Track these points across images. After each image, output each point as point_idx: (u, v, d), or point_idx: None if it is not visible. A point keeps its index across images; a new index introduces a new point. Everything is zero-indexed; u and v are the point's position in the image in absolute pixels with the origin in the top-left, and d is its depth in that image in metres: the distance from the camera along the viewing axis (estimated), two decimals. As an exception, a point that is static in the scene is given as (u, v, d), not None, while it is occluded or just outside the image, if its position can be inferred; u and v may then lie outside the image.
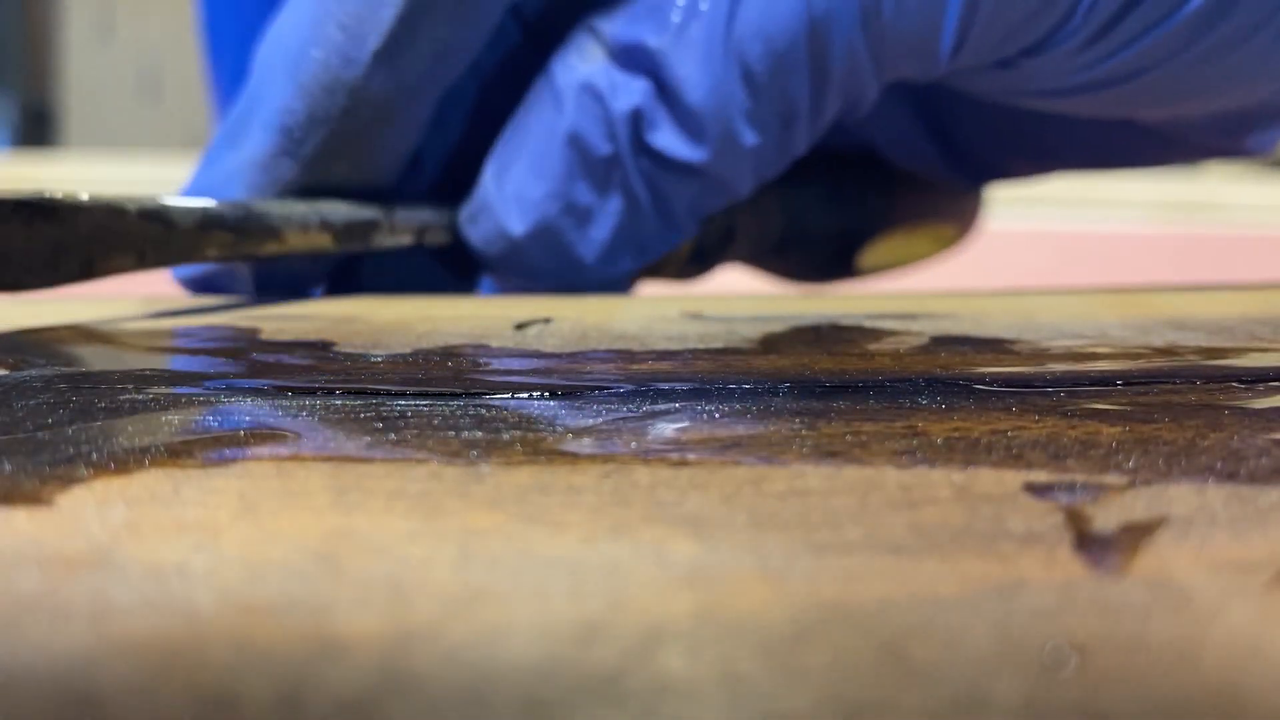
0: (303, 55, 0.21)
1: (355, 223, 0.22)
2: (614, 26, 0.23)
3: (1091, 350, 0.18)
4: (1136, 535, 0.11)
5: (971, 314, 0.21)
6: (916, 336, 0.19)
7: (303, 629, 0.09)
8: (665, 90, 0.22)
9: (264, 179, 0.22)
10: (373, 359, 0.17)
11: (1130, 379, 0.16)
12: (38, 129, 2.11)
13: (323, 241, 0.22)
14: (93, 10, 2.11)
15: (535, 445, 0.13)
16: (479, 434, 0.13)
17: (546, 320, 0.20)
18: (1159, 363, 0.17)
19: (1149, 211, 0.82)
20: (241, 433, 0.13)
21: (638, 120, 0.22)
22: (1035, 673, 0.08)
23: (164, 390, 0.15)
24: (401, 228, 0.23)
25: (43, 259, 0.18)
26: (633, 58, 0.22)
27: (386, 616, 0.09)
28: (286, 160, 0.21)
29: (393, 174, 0.23)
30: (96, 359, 0.17)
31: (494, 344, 0.18)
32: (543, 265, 0.24)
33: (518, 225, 0.23)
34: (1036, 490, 0.12)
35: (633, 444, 0.13)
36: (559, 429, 0.14)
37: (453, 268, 0.25)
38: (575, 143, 0.23)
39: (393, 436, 0.13)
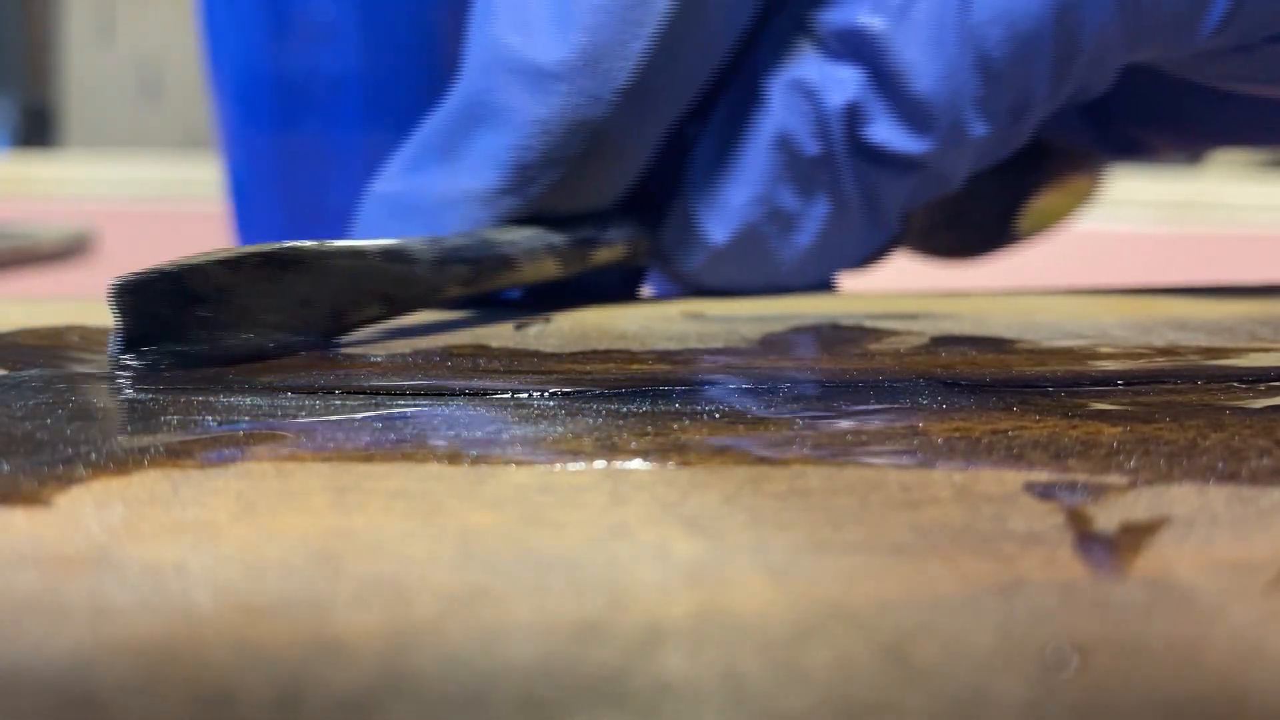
0: (543, 89, 0.19)
1: (577, 246, 0.21)
2: (824, 13, 0.21)
3: (1092, 350, 0.18)
4: (1138, 535, 0.11)
5: (972, 314, 0.21)
6: (917, 336, 0.19)
7: (302, 629, 0.09)
8: (885, 79, 0.21)
9: (484, 214, 0.20)
10: (372, 359, 0.17)
11: (1131, 379, 0.16)
12: (38, 129, 2.11)
13: (550, 268, 0.21)
14: (93, 11, 2.11)
15: (535, 445, 0.13)
16: (479, 434, 0.13)
17: (547, 320, 0.20)
18: (1160, 363, 0.17)
19: (1150, 211, 0.82)
20: (240, 433, 0.13)
21: (853, 115, 0.21)
22: (1036, 673, 0.08)
23: (163, 390, 0.15)
24: (616, 245, 0.22)
25: (290, 314, 0.17)
26: (848, 44, 0.21)
27: (386, 616, 0.09)
28: (511, 198, 0.20)
29: (613, 201, 0.22)
30: (96, 360, 0.17)
31: (494, 344, 0.18)
32: (742, 274, 0.23)
33: (719, 234, 0.22)
34: (1037, 490, 0.12)
35: (633, 444, 0.13)
36: (559, 429, 0.14)
37: (620, 274, 0.24)
38: (783, 144, 0.21)
39: (392, 436, 0.13)
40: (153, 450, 0.13)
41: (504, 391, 0.15)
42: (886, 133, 0.21)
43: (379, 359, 0.17)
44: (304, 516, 0.11)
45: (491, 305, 0.22)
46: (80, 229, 0.48)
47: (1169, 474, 0.12)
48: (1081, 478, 0.12)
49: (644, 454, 0.13)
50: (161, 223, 0.63)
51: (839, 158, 0.21)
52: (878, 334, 0.19)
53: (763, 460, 0.12)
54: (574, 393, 0.15)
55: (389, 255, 0.18)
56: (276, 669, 0.08)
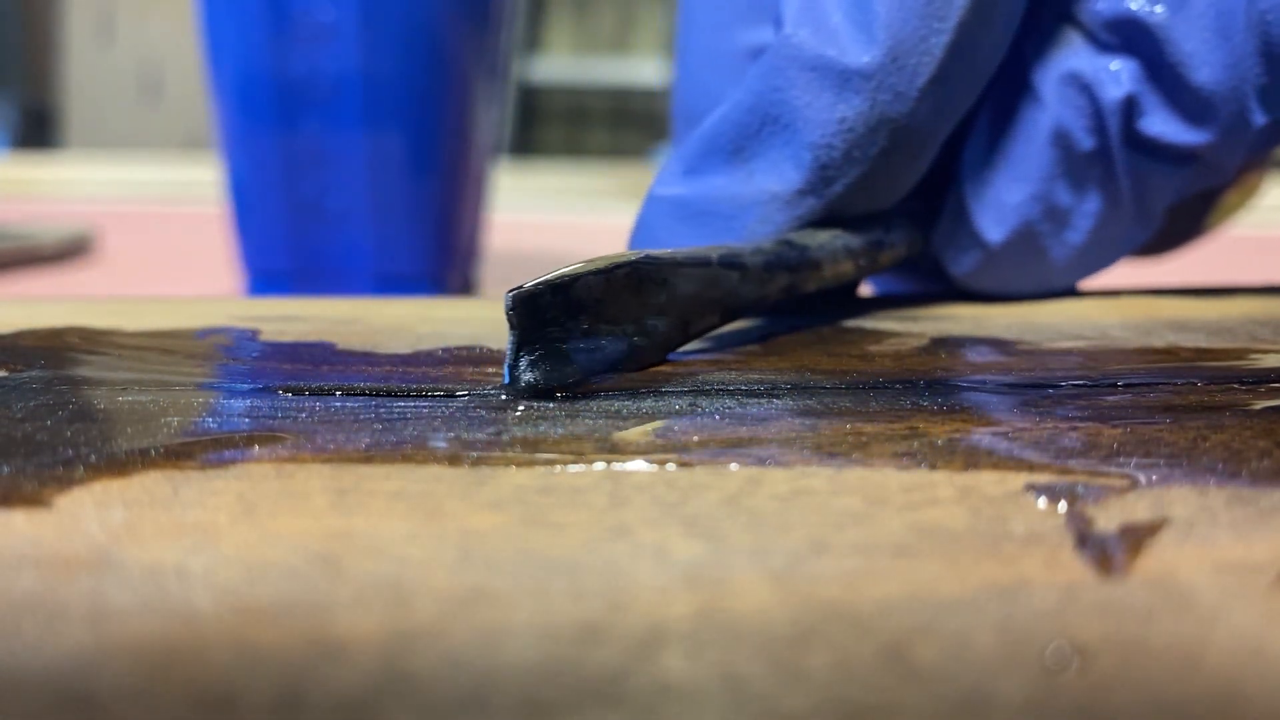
0: (847, 88, 0.19)
1: (870, 248, 0.21)
2: (1093, 4, 0.21)
3: (1092, 351, 0.18)
4: (1138, 536, 0.11)
5: (972, 315, 0.21)
6: (917, 338, 0.19)
7: (302, 630, 0.09)
8: (1162, 70, 0.20)
9: (783, 215, 0.20)
10: (373, 360, 0.17)
11: (1131, 380, 0.16)
12: (38, 130, 2.11)
13: (847, 271, 0.21)
14: (93, 12, 2.11)
15: (535, 446, 0.13)
16: (480, 435, 0.13)
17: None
18: (1160, 363, 0.17)
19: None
20: (241, 434, 0.13)
21: (1129, 107, 0.20)
22: (1037, 674, 0.08)
23: (163, 392, 0.15)
24: (898, 247, 0.22)
25: (645, 323, 0.17)
26: (1121, 35, 0.20)
27: (386, 617, 0.09)
28: (812, 198, 0.20)
29: (897, 200, 0.21)
30: (96, 361, 0.17)
31: (494, 345, 0.18)
32: (1015, 275, 0.22)
33: (995, 233, 0.22)
34: (1038, 491, 0.12)
35: (633, 445, 0.13)
36: (559, 430, 0.14)
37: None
38: (1059, 140, 0.21)
39: (393, 438, 0.13)
40: (153, 452, 0.13)
41: (504, 393, 0.15)
42: (1163, 125, 0.21)
43: (379, 360, 0.17)
44: (304, 518, 0.11)
45: (492, 307, 0.22)
46: (80, 230, 0.48)
47: (1169, 475, 0.12)
48: (1082, 479, 0.12)
49: (645, 454, 0.13)
50: (162, 223, 0.63)
51: (1114, 152, 0.21)
52: (878, 335, 0.19)
53: (763, 461, 0.12)
54: (574, 394, 0.15)
55: (726, 263, 0.18)
56: (277, 670, 0.08)
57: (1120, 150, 0.21)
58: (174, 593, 0.09)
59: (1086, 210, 0.21)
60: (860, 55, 0.19)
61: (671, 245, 0.19)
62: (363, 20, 0.33)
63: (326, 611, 0.09)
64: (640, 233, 0.21)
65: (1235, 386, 0.16)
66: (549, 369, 0.15)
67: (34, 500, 0.11)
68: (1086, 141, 0.21)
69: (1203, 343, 0.18)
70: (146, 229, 0.60)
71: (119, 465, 0.12)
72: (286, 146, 0.34)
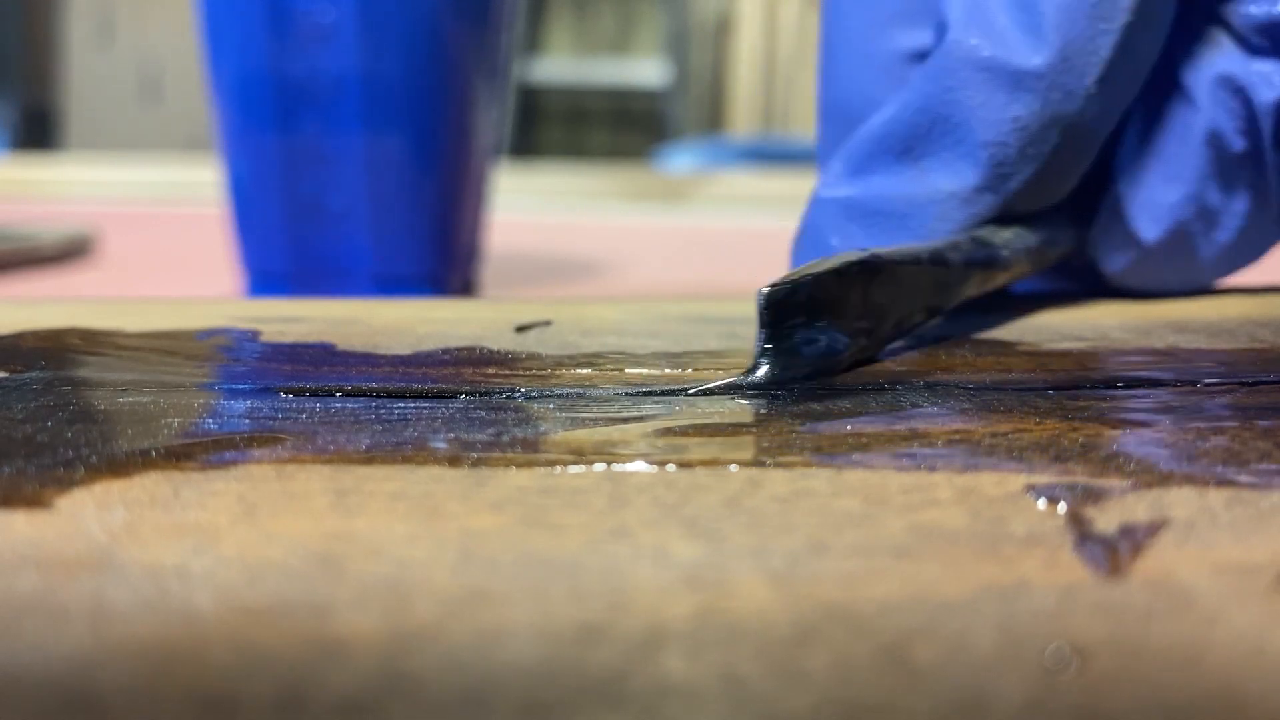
0: (1020, 89, 0.20)
1: (1043, 246, 0.21)
2: (1243, 6, 0.21)
3: (1092, 352, 0.18)
4: (1138, 537, 0.11)
5: (972, 315, 0.21)
6: (917, 338, 0.19)
7: (303, 631, 0.09)
8: None
9: (963, 213, 0.21)
10: (373, 361, 0.17)
11: (1131, 381, 0.16)
12: (38, 131, 2.11)
13: (1023, 269, 0.21)
14: (93, 13, 2.11)
15: (536, 447, 0.13)
16: (480, 436, 0.13)
17: (547, 323, 0.20)
18: (1160, 364, 0.17)
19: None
20: (241, 435, 0.13)
21: None
22: (1037, 675, 0.08)
23: (164, 393, 0.15)
24: (1062, 246, 0.22)
25: (869, 321, 0.17)
26: (1273, 39, 0.21)
27: (386, 618, 0.09)
28: (989, 195, 0.21)
29: (1062, 197, 0.22)
30: (97, 362, 0.17)
31: (494, 346, 0.18)
32: (1166, 273, 0.23)
33: (1151, 232, 0.22)
34: (1038, 492, 0.12)
35: (634, 446, 0.13)
36: (560, 431, 0.14)
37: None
38: (1213, 141, 0.21)
39: (393, 439, 0.13)
40: (154, 452, 0.13)
41: (504, 394, 0.15)
42: None
43: (380, 361, 0.17)
44: (305, 519, 0.11)
45: (492, 308, 0.22)
46: (81, 231, 0.48)
47: (1169, 476, 0.12)
48: (1082, 480, 0.12)
49: (645, 456, 0.13)
50: (162, 224, 0.63)
51: (1265, 154, 0.21)
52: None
53: (763, 462, 0.12)
54: (574, 395, 0.15)
55: (935, 261, 0.19)
56: (277, 671, 0.08)
57: (1271, 152, 0.21)
58: (175, 593, 0.09)
59: (1235, 210, 0.22)
60: (1031, 56, 0.20)
61: (843, 246, 0.20)
62: (363, 20, 0.33)
63: (327, 612, 0.09)
64: (808, 235, 0.22)
65: (1235, 387, 0.16)
66: (786, 364, 0.16)
67: (35, 501, 0.11)
68: (1238, 143, 0.21)
69: (1203, 343, 0.18)
70: (146, 229, 0.60)
71: (120, 466, 0.12)
72: (286, 147, 0.34)
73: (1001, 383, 0.16)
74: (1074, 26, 0.20)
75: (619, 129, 2.38)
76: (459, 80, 0.35)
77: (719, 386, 0.15)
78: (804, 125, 2.19)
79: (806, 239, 0.22)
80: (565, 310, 0.22)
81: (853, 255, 0.17)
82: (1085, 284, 0.24)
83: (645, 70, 2.29)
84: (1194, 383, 0.16)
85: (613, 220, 0.68)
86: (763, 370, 0.16)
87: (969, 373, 0.17)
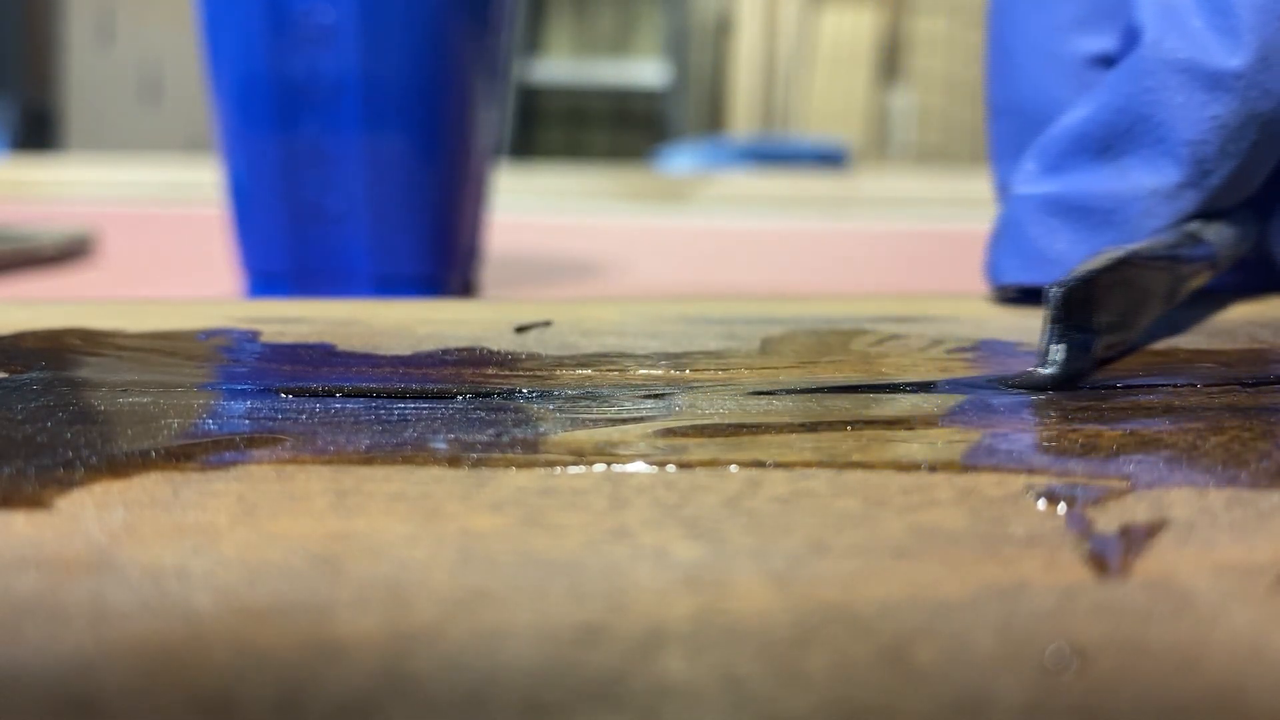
0: (1220, 89, 0.21)
1: (1238, 243, 0.22)
2: None
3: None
4: (1138, 538, 0.11)
5: (972, 316, 0.21)
6: (917, 339, 0.19)
7: (302, 631, 0.09)
8: None
9: (1167, 208, 0.21)
10: (373, 361, 0.17)
11: (1131, 381, 0.16)
12: (38, 132, 2.11)
13: (1223, 264, 0.21)
14: (93, 14, 2.11)
15: (536, 447, 0.13)
16: (480, 436, 0.13)
17: (547, 323, 0.20)
18: (1160, 364, 0.17)
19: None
20: (241, 436, 0.13)
21: None
22: (1037, 675, 0.08)
23: (164, 394, 0.15)
24: (1251, 240, 0.23)
25: (1120, 320, 0.17)
26: None
27: (386, 619, 0.09)
28: (1191, 191, 0.21)
29: (1255, 190, 0.23)
30: (97, 362, 0.17)
31: (494, 347, 0.18)
32: None
33: None
34: (1038, 493, 0.12)
35: (634, 446, 0.13)
36: (560, 431, 0.14)
37: None
38: None
39: (393, 439, 0.13)
40: (153, 453, 0.13)
41: (504, 394, 0.15)
42: None
43: (379, 361, 0.17)
44: (304, 519, 0.11)
45: (492, 308, 0.22)
46: (81, 231, 0.48)
47: (1169, 477, 0.12)
48: (1082, 480, 0.12)
49: (645, 456, 0.13)
50: (162, 225, 0.63)
51: None
52: (878, 336, 0.19)
53: (763, 463, 0.12)
54: (574, 395, 0.15)
55: (1172, 258, 0.19)
56: (277, 672, 0.08)
57: None
58: (174, 594, 0.09)
59: None
60: (1229, 58, 0.21)
61: (1045, 241, 0.21)
62: (362, 22, 0.33)
63: (326, 613, 0.09)
64: (1009, 230, 0.22)
65: (1235, 387, 0.16)
66: (1070, 360, 0.16)
67: (35, 502, 0.11)
68: None
69: (1203, 344, 0.18)
70: (146, 230, 0.60)
71: (119, 467, 0.12)
72: (286, 148, 0.34)
73: (1002, 382, 0.16)
74: (1268, 28, 0.21)
75: (619, 129, 2.38)
76: (459, 80, 0.35)
77: (1016, 380, 0.16)
78: (803, 125, 2.20)
79: (1008, 234, 0.22)
80: (565, 311, 0.22)
81: (1117, 252, 0.17)
82: (1259, 278, 0.25)
83: (645, 71, 2.29)
84: (1194, 383, 0.16)
85: (613, 220, 0.68)
86: (1052, 368, 0.16)
87: (968, 372, 0.17)
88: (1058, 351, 0.16)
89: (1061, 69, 0.24)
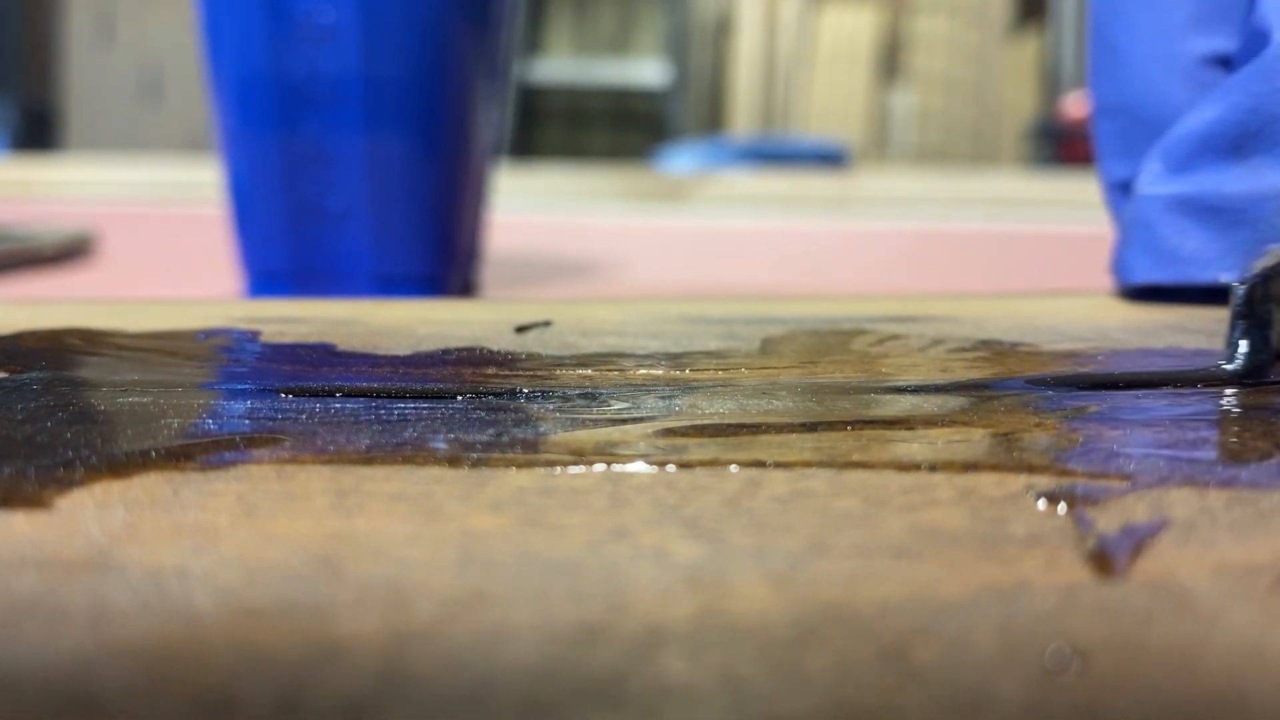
0: None
1: None
2: None
3: (1093, 352, 0.18)
4: (1138, 538, 0.11)
5: (972, 317, 0.21)
6: (917, 339, 0.19)
7: (302, 632, 0.09)
8: None
9: None
10: (373, 361, 0.17)
11: (1131, 382, 0.16)
12: (38, 131, 2.11)
13: None
14: (93, 13, 2.11)
15: (536, 447, 0.13)
16: (480, 436, 0.13)
17: (547, 323, 0.20)
18: (1160, 365, 0.17)
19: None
20: (241, 436, 0.13)
21: None
22: (1037, 676, 0.08)
23: (164, 393, 0.15)
24: None
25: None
26: None
27: (386, 619, 0.09)
28: None
29: None
30: (97, 362, 0.17)
31: (494, 347, 0.18)
32: None
33: None
34: (1038, 493, 0.12)
35: (634, 446, 0.13)
36: (560, 431, 0.14)
37: None
38: None
39: (393, 439, 0.13)
40: (153, 453, 0.13)
41: (504, 394, 0.15)
42: None
43: (379, 361, 0.17)
44: (304, 520, 0.11)
45: (492, 308, 0.22)
46: (80, 231, 0.48)
47: (1169, 476, 0.12)
48: (1082, 480, 0.12)
49: (645, 456, 0.13)
50: (162, 224, 0.63)
51: None
52: (878, 336, 0.19)
53: (763, 463, 0.12)
54: (575, 395, 0.15)
55: None
56: (277, 672, 0.08)
57: None
58: (174, 594, 0.09)
59: None
60: None
61: (1177, 240, 0.21)
62: (363, 22, 0.33)
63: (326, 613, 0.09)
64: (1138, 229, 0.23)
65: (1235, 388, 0.16)
66: (1253, 354, 0.16)
67: (35, 502, 0.11)
68: None
69: (1203, 343, 0.18)
70: (146, 229, 0.60)
71: (119, 467, 0.12)
72: (286, 147, 0.34)
73: (1002, 382, 0.16)
74: None
75: (619, 129, 2.38)
76: (459, 80, 0.35)
77: (1199, 373, 0.16)
78: (803, 125, 2.20)
79: (1137, 234, 0.23)
80: (565, 311, 0.22)
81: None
82: None
83: (645, 70, 2.29)
84: (1194, 383, 0.16)
85: (613, 220, 0.68)
86: (1239, 362, 0.16)
87: (969, 372, 0.17)
88: (1243, 346, 0.16)
89: (1176, 69, 0.24)
